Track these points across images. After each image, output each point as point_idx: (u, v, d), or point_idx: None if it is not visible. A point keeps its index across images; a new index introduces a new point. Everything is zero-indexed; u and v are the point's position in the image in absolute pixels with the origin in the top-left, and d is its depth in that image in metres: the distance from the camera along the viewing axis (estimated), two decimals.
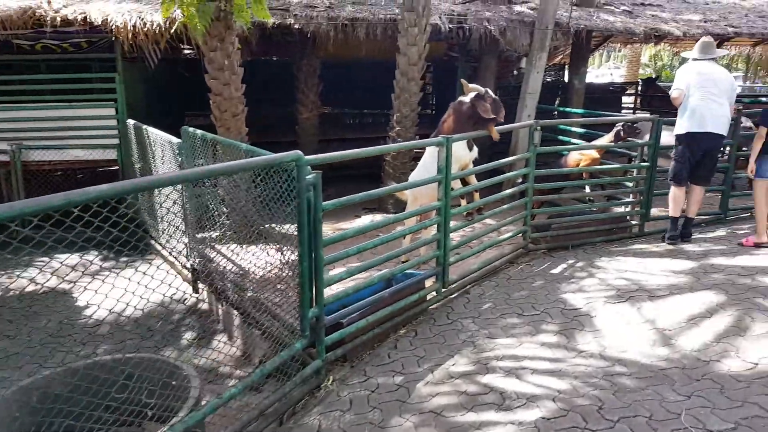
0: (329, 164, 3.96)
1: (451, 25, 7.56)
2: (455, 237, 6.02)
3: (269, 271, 4.02)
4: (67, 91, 7.67)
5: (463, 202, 4.99)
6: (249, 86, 11.27)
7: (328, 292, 3.71)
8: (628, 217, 6.08)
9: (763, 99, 11.59)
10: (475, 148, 4.94)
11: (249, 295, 4.56)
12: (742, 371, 3.07)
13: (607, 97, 10.89)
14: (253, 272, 4.45)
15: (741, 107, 6.76)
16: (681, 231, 5.52)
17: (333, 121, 11.50)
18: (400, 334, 4.21)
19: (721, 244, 5.35)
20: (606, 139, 5.93)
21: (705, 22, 9.12)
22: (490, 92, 4.57)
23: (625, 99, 12.15)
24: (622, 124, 5.70)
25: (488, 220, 5.61)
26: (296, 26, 7.43)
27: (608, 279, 4.74)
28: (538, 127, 5.30)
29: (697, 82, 5.28)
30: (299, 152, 2.95)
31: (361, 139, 10.42)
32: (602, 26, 7.98)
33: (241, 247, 4.74)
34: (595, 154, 5.77)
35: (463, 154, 4.80)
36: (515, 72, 8.84)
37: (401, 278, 4.58)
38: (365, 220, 7.88)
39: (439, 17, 7.51)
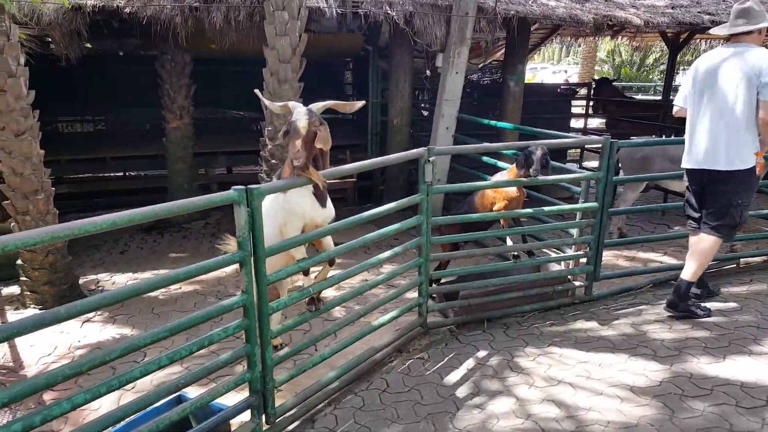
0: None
1: (340, 10, 5.82)
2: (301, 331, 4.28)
3: None
4: None
5: (305, 281, 3.25)
6: (101, 89, 9.63)
7: None
8: (569, 277, 4.46)
9: None
10: (331, 204, 3.17)
11: None
12: None
13: (554, 101, 9.39)
14: None
15: None
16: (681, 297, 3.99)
17: (218, 130, 9.64)
18: None
19: (702, 327, 3.77)
20: (510, 173, 4.28)
21: (672, 8, 7.65)
22: (304, 112, 2.77)
23: (578, 103, 10.70)
24: (525, 151, 4.04)
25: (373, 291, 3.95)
26: (127, 10, 5.57)
27: (530, 401, 3.10)
28: (431, 159, 3.61)
29: (696, 88, 3.74)
30: None
31: (256, 152, 8.59)
32: (539, 13, 6.40)
33: None
34: (513, 191, 4.10)
35: (305, 208, 3.04)
36: (428, 72, 7.21)
37: (203, 415, 2.85)
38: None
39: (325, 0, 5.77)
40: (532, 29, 7.77)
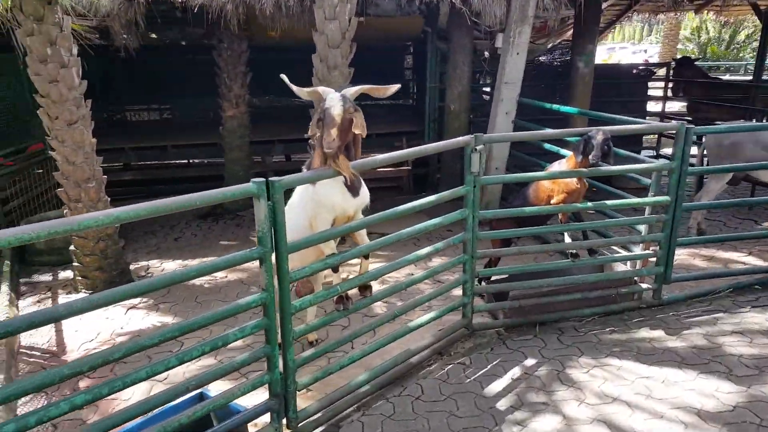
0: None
1: None
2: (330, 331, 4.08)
3: None
4: None
5: (334, 279, 3.06)
6: (166, 78, 9.84)
7: None
8: (635, 279, 4.04)
9: None
10: (365, 190, 2.95)
11: None
12: None
13: (629, 83, 8.68)
14: None
15: None
16: None
17: (278, 118, 9.57)
18: None
19: None
20: (569, 162, 3.85)
21: None
22: (337, 98, 2.56)
23: (657, 85, 9.86)
24: (584, 137, 3.61)
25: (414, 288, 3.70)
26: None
27: (578, 420, 2.78)
28: (479, 147, 3.31)
29: None
30: None
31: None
32: None
33: None
34: (572, 182, 3.70)
35: (334, 200, 2.85)
36: (486, 54, 6.77)
37: (223, 415, 2.74)
38: None
39: None
40: (604, 6, 7.18)
